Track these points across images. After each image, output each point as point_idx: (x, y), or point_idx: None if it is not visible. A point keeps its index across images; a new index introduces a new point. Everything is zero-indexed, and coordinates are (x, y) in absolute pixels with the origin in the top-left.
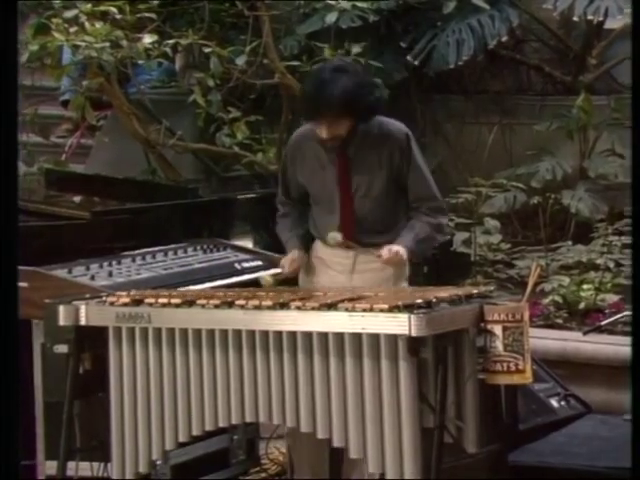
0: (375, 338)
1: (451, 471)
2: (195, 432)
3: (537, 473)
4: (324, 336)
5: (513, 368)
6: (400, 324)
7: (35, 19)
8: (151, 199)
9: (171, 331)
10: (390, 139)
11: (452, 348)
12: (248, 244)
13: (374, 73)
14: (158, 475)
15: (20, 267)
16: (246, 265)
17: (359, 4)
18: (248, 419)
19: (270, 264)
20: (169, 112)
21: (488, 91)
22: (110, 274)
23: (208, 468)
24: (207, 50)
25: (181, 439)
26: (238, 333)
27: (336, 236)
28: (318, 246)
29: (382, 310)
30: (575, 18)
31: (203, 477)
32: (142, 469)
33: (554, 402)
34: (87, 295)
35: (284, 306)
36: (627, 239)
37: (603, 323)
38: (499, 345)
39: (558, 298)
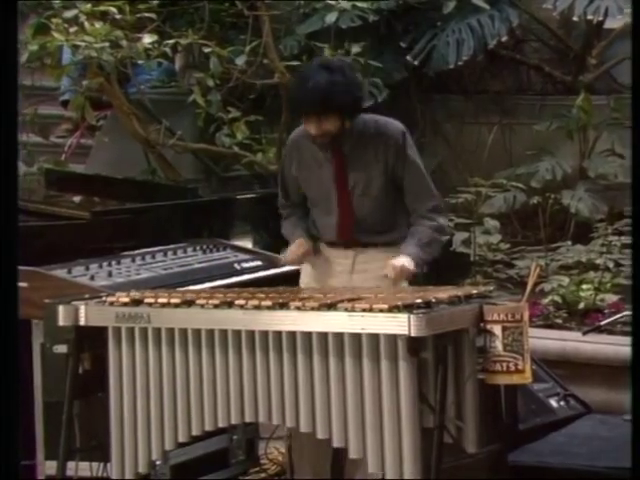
0: (375, 338)
1: (451, 471)
2: (195, 432)
3: (537, 473)
4: (324, 336)
5: (513, 368)
6: (400, 324)
7: (35, 19)
8: (151, 199)
9: (170, 331)
10: (386, 137)
11: (452, 348)
12: (248, 244)
13: (374, 73)
14: (158, 475)
15: (20, 267)
16: (246, 265)
17: (359, 4)
18: (247, 419)
19: (270, 264)
20: (169, 112)
21: (488, 91)
22: (110, 274)
23: (208, 468)
24: (207, 50)
25: (181, 439)
26: (237, 333)
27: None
28: (319, 244)
29: (382, 310)
30: (575, 18)
31: (203, 477)
32: (142, 469)
33: (554, 402)
34: (87, 295)
35: (283, 306)
36: (627, 239)
37: (603, 323)
38: (499, 345)
39: (558, 298)
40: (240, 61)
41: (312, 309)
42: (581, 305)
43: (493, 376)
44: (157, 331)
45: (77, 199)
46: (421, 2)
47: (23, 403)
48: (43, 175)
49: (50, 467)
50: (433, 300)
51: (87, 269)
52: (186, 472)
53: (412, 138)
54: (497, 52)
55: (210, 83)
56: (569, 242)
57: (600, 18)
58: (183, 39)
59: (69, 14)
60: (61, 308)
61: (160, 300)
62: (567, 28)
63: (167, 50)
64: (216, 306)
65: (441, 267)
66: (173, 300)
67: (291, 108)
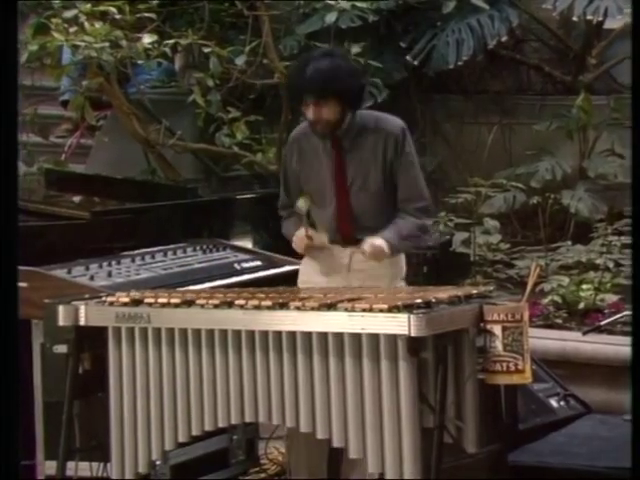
0: (375, 338)
1: (451, 471)
2: (194, 432)
3: (537, 473)
4: (323, 336)
5: (513, 368)
6: (400, 324)
7: (35, 19)
8: (151, 199)
9: (170, 331)
10: (385, 132)
11: (452, 348)
12: (248, 244)
13: (374, 73)
14: (157, 475)
15: (20, 267)
16: (245, 265)
17: (359, 4)
18: (247, 419)
19: (270, 264)
20: (169, 112)
21: (488, 91)
22: (109, 274)
23: (207, 468)
24: (207, 50)
25: (180, 439)
26: (237, 333)
27: (302, 205)
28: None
29: (382, 310)
30: (575, 18)
31: (202, 477)
32: (141, 469)
33: (554, 402)
34: (86, 295)
35: (283, 306)
36: (626, 239)
37: (602, 323)
38: (499, 345)
39: (557, 298)
40: (240, 61)
41: (312, 309)
42: (581, 305)
43: (493, 376)
44: (157, 331)
45: (77, 199)
46: (421, 2)
47: (23, 403)
48: (43, 175)
49: (50, 467)
50: (433, 300)
51: (87, 269)
52: (186, 472)
53: (412, 138)
54: (497, 52)
55: (210, 83)
56: (569, 242)
57: (600, 18)
58: (183, 39)
59: (69, 14)
60: (61, 308)
61: (160, 300)
62: (567, 28)
63: (167, 50)
64: (216, 306)
65: (441, 267)
66: (173, 300)
67: (290, 93)
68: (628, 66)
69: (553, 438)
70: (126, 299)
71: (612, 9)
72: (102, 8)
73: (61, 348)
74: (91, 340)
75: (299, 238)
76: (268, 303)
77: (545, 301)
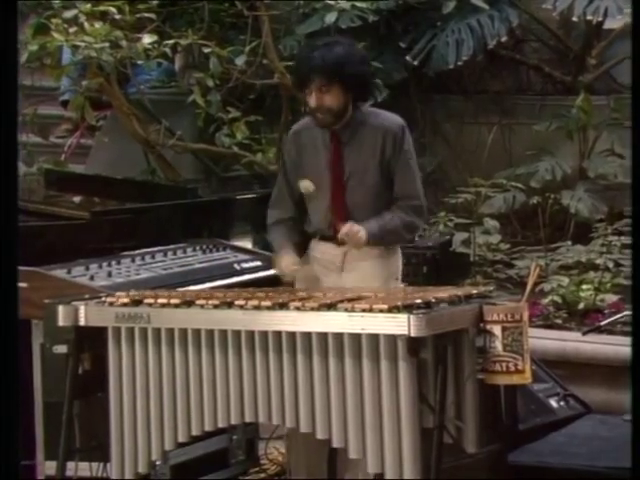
0: (374, 338)
1: (451, 471)
2: (194, 432)
3: (537, 473)
4: (323, 336)
5: (512, 368)
6: (399, 324)
7: (35, 19)
8: (151, 199)
9: (170, 331)
10: (384, 129)
11: (451, 348)
12: (248, 244)
13: (373, 73)
14: (157, 475)
15: (20, 267)
16: (245, 265)
17: (358, 4)
18: (247, 419)
19: (270, 264)
20: (169, 112)
21: (488, 91)
22: (109, 274)
23: (207, 468)
24: (206, 50)
25: (180, 439)
26: (237, 333)
27: (308, 185)
28: (312, 244)
29: (381, 310)
30: (574, 18)
31: (202, 477)
32: (141, 469)
33: (553, 402)
34: (86, 295)
35: (283, 306)
36: (626, 239)
37: (602, 323)
38: (498, 345)
39: (557, 298)
40: (240, 61)
41: (312, 309)
42: (581, 305)
43: (493, 376)
44: (157, 331)
45: (77, 199)
46: (421, 2)
47: (23, 403)
48: (43, 175)
49: (50, 467)
50: (433, 300)
51: (87, 269)
52: (186, 472)
53: (412, 138)
54: (497, 52)
55: (210, 83)
56: (569, 242)
57: (600, 18)
58: (183, 39)
59: (69, 14)
60: (61, 308)
61: (160, 300)
62: (567, 28)
63: (167, 50)
64: (216, 306)
65: (441, 267)
66: (173, 300)
67: (296, 77)
68: (628, 66)
69: (553, 438)
70: (126, 299)
71: (612, 9)
72: (102, 8)
73: (61, 348)
74: (91, 340)
75: (285, 265)
76: (268, 303)
77: (545, 301)
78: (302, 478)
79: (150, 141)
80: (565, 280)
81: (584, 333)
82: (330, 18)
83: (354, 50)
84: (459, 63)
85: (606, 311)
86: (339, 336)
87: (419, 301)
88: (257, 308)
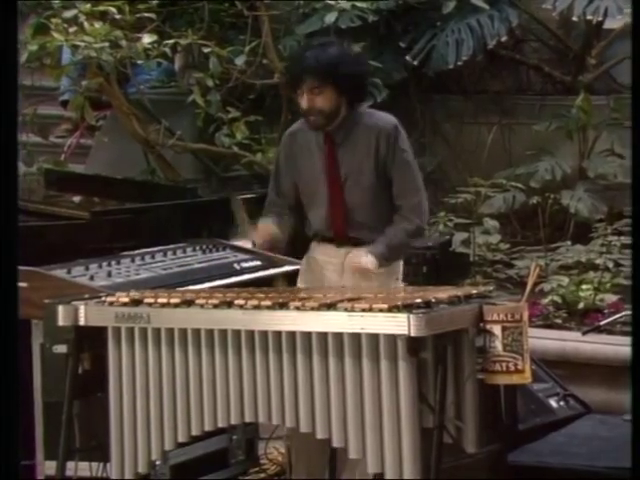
0: (374, 338)
1: (451, 471)
2: (194, 432)
3: (536, 473)
4: (323, 336)
5: (512, 368)
6: (399, 324)
7: (35, 19)
8: (150, 199)
9: (170, 331)
10: (378, 129)
11: (451, 348)
12: (247, 244)
13: (373, 73)
14: (157, 475)
15: (20, 267)
16: (245, 265)
17: (358, 4)
18: (247, 419)
19: (270, 264)
20: (168, 112)
21: (487, 91)
22: (109, 274)
23: (207, 468)
24: (206, 50)
25: (180, 439)
26: (237, 333)
27: None
28: (312, 246)
29: (381, 310)
30: (574, 18)
31: (202, 477)
32: (141, 469)
33: (553, 402)
34: (86, 295)
35: (283, 306)
36: (626, 239)
37: (602, 323)
38: (498, 345)
39: (557, 298)
40: (240, 61)
41: (312, 309)
42: (581, 305)
43: (493, 376)
44: (157, 331)
45: (77, 199)
46: (421, 2)
47: (23, 403)
48: (43, 175)
49: (50, 467)
50: (433, 300)
51: (87, 269)
52: (186, 472)
53: (412, 138)
54: (497, 52)
55: (210, 83)
56: (569, 242)
57: (599, 18)
58: (183, 39)
59: (68, 14)
60: (61, 308)
61: (160, 300)
62: (567, 28)
63: (167, 50)
64: (215, 306)
65: (440, 267)
66: (173, 300)
67: (288, 78)
68: (628, 66)
69: (553, 438)
70: (126, 299)
71: (612, 9)
72: (102, 8)
73: (61, 348)
74: (91, 340)
75: (260, 233)
76: (268, 303)
77: (545, 301)
78: (302, 478)
79: (150, 141)
80: (565, 280)
81: (584, 333)
82: (330, 18)
83: (347, 51)
84: (459, 63)
85: (606, 311)
86: (339, 336)
87: (419, 301)
88: (257, 308)
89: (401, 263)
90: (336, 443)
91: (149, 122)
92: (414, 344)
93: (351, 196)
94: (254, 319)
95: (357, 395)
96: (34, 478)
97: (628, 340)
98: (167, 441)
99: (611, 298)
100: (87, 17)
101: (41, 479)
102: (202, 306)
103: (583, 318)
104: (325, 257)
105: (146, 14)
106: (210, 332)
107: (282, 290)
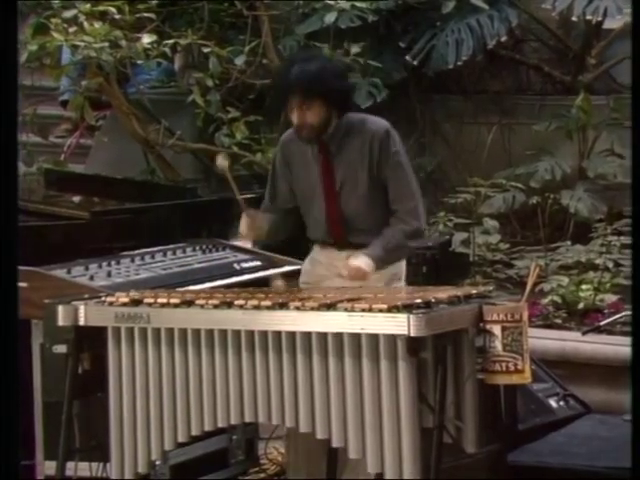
0: (374, 338)
1: (451, 471)
2: (194, 432)
3: (536, 473)
4: (323, 336)
5: (512, 368)
6: (399, 324)
7: (34, 19)
8: (150, 199)
9: (170, 331)
10: (369, 134)
11: (451, 348)
12: (247, 244)
13: (373, 73)
14: (157, 475)
15: (20, 267)
16: (245, 265)
17: (358, 4)
18: (247, 419)
19: (270, 264)
20: (168, 112)
21: (487, 91)
22: (109, 274)
23: (207, 468)
24: (206, 50)
25: (180, 439)
26: (237, 333)
27: (222, 162)
28: (315, 248)
29: (381, 310)
30: (574, 18)
31: (202, 477)
32: (141, 469)
33: (553, 402)
34: (86, 295)
35: (283, 306)
36: (626, 239)
37: (602, 323)
38: (498, 345)
39: (557, 298)
40: (239, 61)
41: (312, 309)
42: (581, 305)
43: (492, 376)
44: (156, 331)
45: (77, 199)
46: (420, 2)
47: (23, 403)
48: (43, 175)
49: (49, 467)
50: (433, 300)
51: (86, 269)
52: (186, 472)
53: (412, 138)
54: (496, 52)
55: (209, 83)
56: (568, 242)
57: (599, 18)
58: (182, 39)
59: (68, 14)
60: (60, 308)
61: (159, 300)
62: (566, 28)
63: (166, 50)
64: (216, 306)
65: (440, 267)
66: (172, 300)
67: (276, 96)
68: (628, 66)
69: (553, 438)
70: (125, 299)
71: (612, 9)
72: (101, 8)
73: (61, 348)
74: (91, 340)
75: (246, 225)
76: (268, 303)
77: (545, 301)
78: (302, 478)
79: (150, 141)
80: (565, 280)
81: (584, 333)
82: (330, 18)
83: (330, 65)
84: (459, 63)
85: (605, 311)
86: (339, 336)
87: (419, 301)
88: (257, 308)
89: (403, 264)
90: (336, 443)
91: (149, 122)
92: (414, 344)
93: (347, 204)
94: (254, 319)
95: (357, 395)
96: (34, 478)
97: (628, 340)
98: (167, 441)
99: (611, 298)
100: (87, 17)
101: (41, 479)
102: (202, 306)
103: (583, 318)
104: (328, 259)
105: (146, 14)
106: (210, 332)
107: (282, 290)
